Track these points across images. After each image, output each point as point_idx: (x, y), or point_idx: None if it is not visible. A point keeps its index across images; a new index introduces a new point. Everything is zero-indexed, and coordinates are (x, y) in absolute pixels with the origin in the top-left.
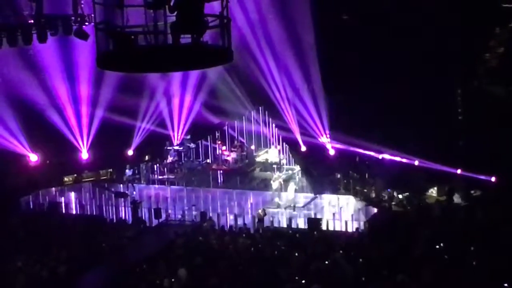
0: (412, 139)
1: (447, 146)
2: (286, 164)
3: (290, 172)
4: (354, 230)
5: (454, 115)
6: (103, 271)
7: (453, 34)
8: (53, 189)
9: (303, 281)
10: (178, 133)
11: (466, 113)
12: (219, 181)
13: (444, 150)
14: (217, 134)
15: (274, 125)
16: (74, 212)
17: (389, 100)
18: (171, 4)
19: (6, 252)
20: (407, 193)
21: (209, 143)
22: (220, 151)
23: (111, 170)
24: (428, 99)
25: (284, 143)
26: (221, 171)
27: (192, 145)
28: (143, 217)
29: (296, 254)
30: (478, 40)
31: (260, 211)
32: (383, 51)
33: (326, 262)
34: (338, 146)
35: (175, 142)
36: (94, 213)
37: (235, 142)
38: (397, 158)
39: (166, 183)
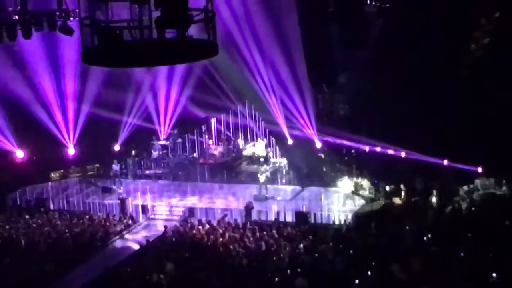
0: (398, 130)
1: (434, 137)
2: (273, 157)
3: (277, 165)
4: (342, 222)
5: (439, 106)
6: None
7: (438, 25)
8: (40, 185)
9: (291, 274)
10: (164, 127)
11: (452, 104)
12: (206, 175)
13: (431, 141)
14: (203, 128)
15: (260, 118)
16: (61, 207)
17: (374, 92)
18: None
19: None
20: (394, 185)
21: (195, 137)
22: (206, 145)
23: (98, 165)
24: (414, 89)
25: (270, 137)
26: (208, 165)
27: (179, 140)
28: (131, 212)
29: (284, 247)
30: (464, 30)
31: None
32: (368, 42)
33: (316, 255)
34: (325, 138)
35: (162, 136)
36: (81, 208)
37: (222, 136)
38: (384, 150)
39: (153, 177)
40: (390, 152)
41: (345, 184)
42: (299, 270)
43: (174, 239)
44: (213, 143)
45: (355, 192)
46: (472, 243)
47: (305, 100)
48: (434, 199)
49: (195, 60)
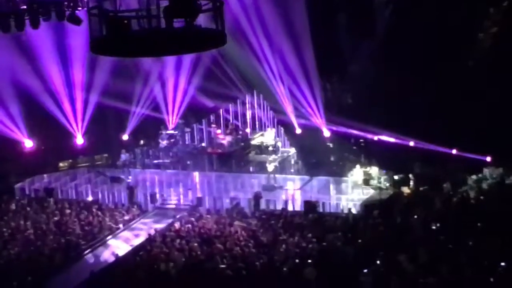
0: (406, 119)
1: (443, 126)
2: (282, 147)
3: (285, 154)
4: (350, 211)
5: (449, 96)
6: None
7: (447, 15)
8: (48, 174)
9: (300, 263)
10: (172, 117)
11: (460, 93)
12: (215, 164)
13: (440, 131)
14: (211, 117)
15: (269, 107)
16: (69, 197)
17: (383, 81)
18: None
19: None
20: (402, 174)
21: (204, 127)
22: (215, 135)
23: (106, 155)
24: (422, 79)
25: (279, 126)
26: (216, 155)
27: (187, 129)
28: (139, 202)
29: (292, 236)
30: (472, 20)
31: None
32: (377, 32)
33: (324, 244)
34: (333, 128)
35: (170, 126)
36: (90, 198)
37: (230, 125)
38: (393, 139)
39: (161, 167)
40: (399, 141)
41: (356, 173)
42: (307, 259)
43: (182, 228)
44: (221, 132)
45: (366, 182)
46: (481, 232)
47: (313, 89)
48: (442, 188)
49: (203, 49)
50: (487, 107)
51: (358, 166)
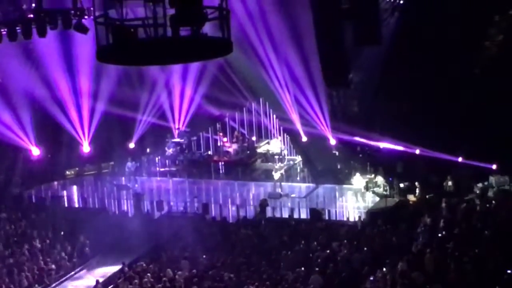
0: (412, 127)
1: (448, 134)
2: (288, 155)
3: (291, 162)
4: (356, 219)
5: (454, 103)
6: None
7: (452, 22)
8: (55, 182)
9: (306, 271)
10: (179, 125)
11: (467, 101)
12: (221, 172)
13: (445, 138)
14: (218, 125)
15: (274, 116)
16: (76, 205)
17: (388, 89)
18: None
19: (11, 246)
20: (408, 182)
21: (210, 135)
22: (221, 143)
23: (112, 163)
24: (428, 87)
25: (285, 134)
26: (223, 163)
27: (193, 137)
28: (146, 209)
29: (299, 244)
30: (478, 28)
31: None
32: (382, 40)
33: (330, 252)
34: (339, 136)
35: (176, 134)
36: (97, 206)
37: (236, 133)
38: (398, 147)
39: (168, 175)
40: (405, 149)
41: (358, 180)
42: (313, 267)
43: (189, 236)
44: (227, 140)
45: (367, 188)
46: (487, 240)
47: (319, 97)
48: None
49: (209, 58)
50: (493, 115)
51: (363, 174)
